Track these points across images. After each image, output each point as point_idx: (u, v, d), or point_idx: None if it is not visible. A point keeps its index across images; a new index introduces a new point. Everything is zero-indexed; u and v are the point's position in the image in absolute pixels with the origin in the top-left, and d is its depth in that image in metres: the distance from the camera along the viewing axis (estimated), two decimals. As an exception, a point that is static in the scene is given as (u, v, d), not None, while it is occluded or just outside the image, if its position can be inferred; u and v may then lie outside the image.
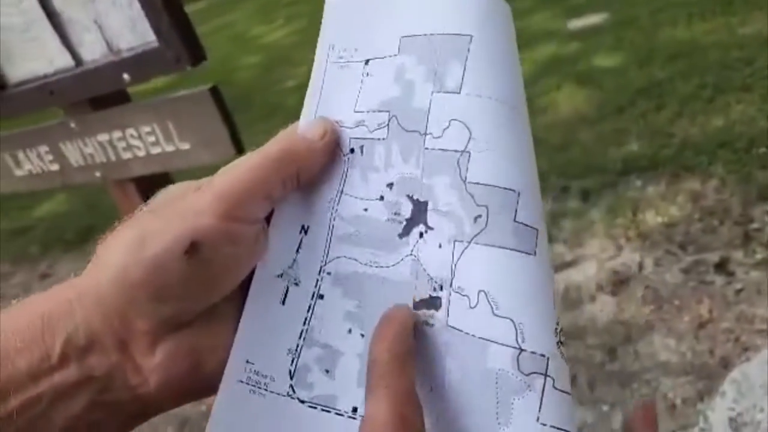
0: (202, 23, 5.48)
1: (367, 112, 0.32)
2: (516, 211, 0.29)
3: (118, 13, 0.99)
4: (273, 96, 3.98)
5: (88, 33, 1.02)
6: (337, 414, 0.30)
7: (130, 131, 1.06)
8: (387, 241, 0.31)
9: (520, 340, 0.27)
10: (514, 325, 0.27)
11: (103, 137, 1.10)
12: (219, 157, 0.99)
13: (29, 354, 0.26)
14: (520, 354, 0.27)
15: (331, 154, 0.32)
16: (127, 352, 0.28)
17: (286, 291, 0.32)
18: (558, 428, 0.26)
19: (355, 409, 0.30)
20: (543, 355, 0.27)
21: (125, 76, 1.00)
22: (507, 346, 0.27)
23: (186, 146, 1.01)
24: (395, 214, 0.31)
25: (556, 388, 0.27)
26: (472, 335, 0.28)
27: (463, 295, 0.28)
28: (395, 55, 0.32)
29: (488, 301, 0.28)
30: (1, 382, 0.25)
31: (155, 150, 1.05)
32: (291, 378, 0.31)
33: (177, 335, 0.28)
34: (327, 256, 0.32)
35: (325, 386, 0.31)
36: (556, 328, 0.27)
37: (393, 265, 0.31)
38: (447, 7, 0.32)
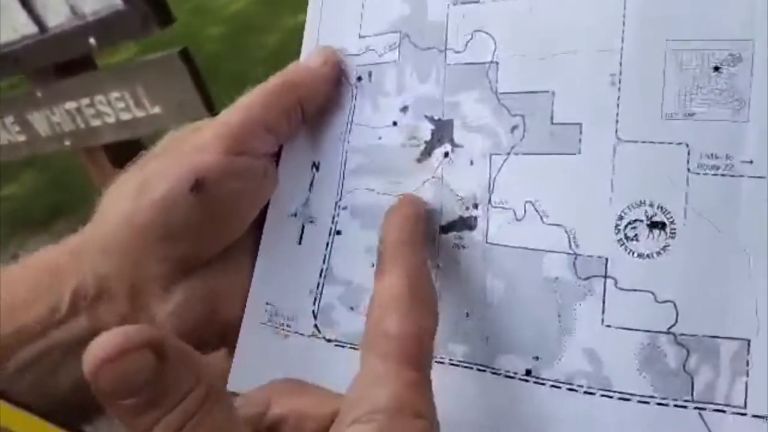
0: (165, -6, 5.37)
1: (375, 35, 0.31)
2: (552, 112, 0.28)
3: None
4: (241, 65, 3.92)
5: (52, -3, 1.00)
6: None
7: (99, 98, 1.05)
8: (404, 167, 0.30)
9: (573, 245, 0.27)
10: (566, 231, 0.27)
11: (70, 105, 1.08)
12: (192, 120, 0.98)
13: (38, 306, 0.26)
14: (576, 259, 0.27)
15: (334, 82, 0.32)
16: (139, 300, 0.27)
17: (302, 230, 0.32)
18: (627, 329, 0.26)
19: None
20: (600, 257, 0.26)
21: (91, 40, 0.98)
22: (561, 252, 0.27)
23: (157, 110, 1.00)
24: (412, 138, 0.30)
25: (620, 288, 0.26)
26: (523, 247, 0.27)
27: (507, 208, 0.28)
28: None
29: (536, 210, 0.27)
30: (10, 335, 0.25)
31: (125, 116, 1.04)
32: (315, 318, 0.31)
33: (191, 279, 0.28)
34: (342, 191, 0.31)
35: (352, 323, 0.30)
36: (617, 225, 0.26)
37: (413, 192, 0.30)
38: None
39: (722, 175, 0.25)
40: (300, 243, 0.32)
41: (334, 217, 0.31)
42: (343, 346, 0.30)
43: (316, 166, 0.32)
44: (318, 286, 0.31)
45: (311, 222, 0.32)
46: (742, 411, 0.24)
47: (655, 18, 0.26)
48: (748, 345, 0.24)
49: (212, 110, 0.96)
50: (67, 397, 0.26)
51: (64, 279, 0.26)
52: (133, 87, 1.02)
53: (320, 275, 0.31)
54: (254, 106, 0.29)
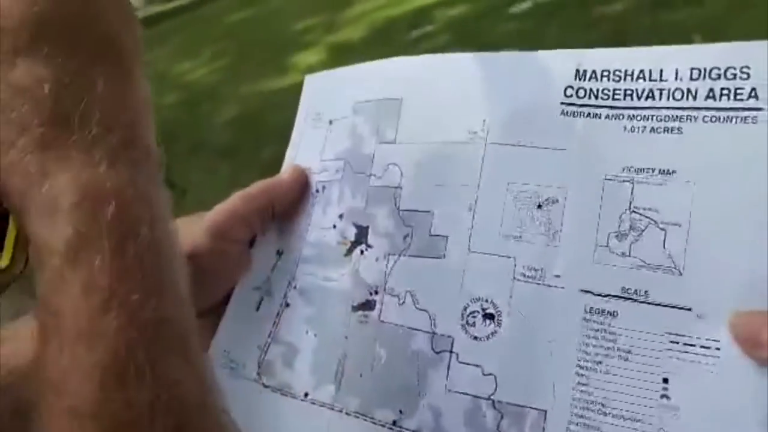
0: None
1: (330, 160, 0.42)
2: (431, 226, 0.36)
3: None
4: (200, 133, 3.97)
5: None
6: (292, 397, 0.39)
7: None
8: (336, 260, 0.40)
9: (433, 326, 0.35)
10: (429, 315, 0.36)
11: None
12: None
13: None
14: (433, 336, 0.35)
15: (298, 191, 0.42)
16: None
17: (260, 300, 0.42)
18: (461, 393, 0.34)
19: (306, 394, 0.38)
20: (449, 336, 0.35)
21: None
22: (425, 331, 0.35)
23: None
24: (343, 237, 0.40)
25: (460, 362, 0.34)
26: (401, 325, 0.36)
27: (394, 296, 0.37)
28: (350, 117, 0.42)
29: (412, 298, 0.36)
30: None
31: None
32: (259, 367, 0.40)
33: None
34: (296, 273, 0.41)
35: (285, 376, 0.39)
36: (462, 313, 0.35)
37: (338, 279, 0.39)
38: (383, 77, 0.41)
39: (537, 283, 0.33)
40: (257, 310, 0.42)
41: (286, 293, 0.41)
42: (275, 392, 0.40)
43: (279, 253, 0.42)
44: (265, 344, 0.41)
45: (269, 295, 0.42)
46: None
47: (501, 165, 0.35)
48: (545, 415, 0.32)
49: (170, 183, 1.00)
50: None
51: None
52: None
53: (269, 335, 0.41)
54: (236, 205, 0.40)
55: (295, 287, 0.41)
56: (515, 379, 0.33)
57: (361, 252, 0.39)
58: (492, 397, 0.33)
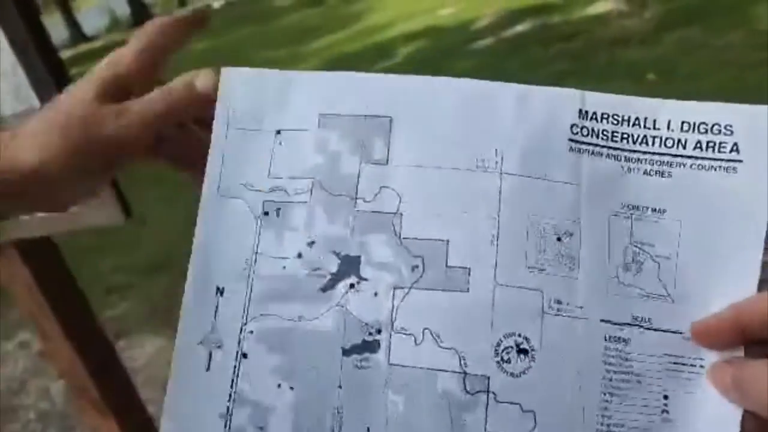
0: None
1: (287, 178, 0.36)
2: (447, 257, 0.34)
3: (3, 81, 1.00)
4: (159, 165, 3.92)
5: (-29, 98, 1.02)
6: None
7: (13, 195, 1.06)
8: (309, 295, 0.35)
9: (464, 365, 0.33)
10: (457, 354, 0.33)
11: (-17, 201, 1.09)
12: (107, 220, 1.00)
13: None
14: (465, 377, 0.33)
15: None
16: None
17: (210, 356, 0.35)
18: None
19: None
20: (484, 375, 0.33)
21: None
22: (454, 372, 0.33)
23: (73, 209, 1.02)
24: (316, 269, 0.35)
25: (498, 401, 0.33)
26: (421, 367, 0.33)
27: (408, 334, 0.34)
28: (312, 130, 0.37)
29: (432, 336, 0.34)
30: None
31: (39, 213, 1.05)
32: None
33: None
34: (248, 315, 0.35)
35: None
36: (496, 349, 0.33)
37: (317, 318, 0.35)
38: (361, 91, 0.37)
39: (564, 316, 0.33)
40: (208, 369, 0.35)
41: (240, 341, 0.35)
42: None
43: (220, 291, 0.36)
44: (228, 410, 0.34)
45: (218, 347, 0.35)
46: None
47: (520, 197, 0.35)
48: None
49: (128, 209, 0.99)
50: None
51: None
52: (48, 185, 1.04)
53: (229, 399, 0.34)
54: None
55: (250, 332, 0.35)
56: (552, 414, 0.33)
57: (351, 285, 0.35)
58: None
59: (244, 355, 0.35)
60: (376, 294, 0.35)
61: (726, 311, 0.32)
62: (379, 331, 0.34)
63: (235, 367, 0.35)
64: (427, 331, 0.34)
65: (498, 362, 0.33)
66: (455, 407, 0.33)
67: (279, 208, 0.36)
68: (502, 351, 0.33)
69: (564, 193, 0.34)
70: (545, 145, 0.35)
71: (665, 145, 0.35)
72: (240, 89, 0.38)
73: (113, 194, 1.00)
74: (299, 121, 0.37)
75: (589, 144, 0.35)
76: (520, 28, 4.14)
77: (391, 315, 0.34)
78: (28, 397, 2.18)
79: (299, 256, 0.35)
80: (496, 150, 0.35)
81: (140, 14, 11.68)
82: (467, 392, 0.33)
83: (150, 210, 3.04)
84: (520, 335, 0.33)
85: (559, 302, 0.34)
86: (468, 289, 0.34)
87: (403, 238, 0.35)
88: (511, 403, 0.33)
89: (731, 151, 0.34)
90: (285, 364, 0.34)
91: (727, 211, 0.33)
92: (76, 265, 1.17)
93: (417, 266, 0.35)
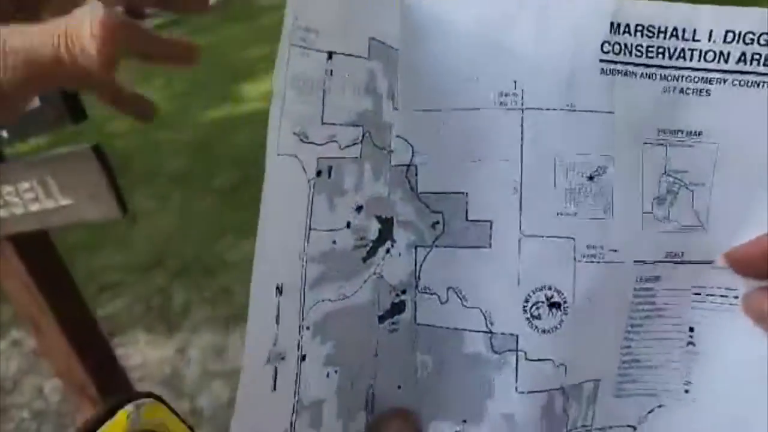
0: (74, 87, 5.30)
1: (339, 125, 0.29)
2: (467, 211, 0.32)
3: None
4: (152, 160, 3.92)
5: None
6: None
7: (7, 189, 1.05)
8: (351, 270, 0.31)
9: (489, 325, 0.32)
10: (482, 313, 0.32)
11: (-24, 196, 1.08)
12: (103, 213, 1.00)
13: None
14: (492, 336, 0.32)
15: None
16: None
17: (275, 374, 0.29)
18: (535, 392, 0.32)
19: None
20: (513, 334, 0.32)
21: (3, 133, 1.00)
22: (479, 331, 0.32)
23: (67, 202, 1.02)
24: (361, 239, 0.31)
25: (529, 359, 0.31)
26: (447, 327, 0.32)
27: (432, 294, 0.32)
28: (366, 58, 0.30)
29: (457, 295, 0.32)
30: None
31: (34, 207, 1.04)
32: None
33: None
34: (303, 310, 0.29)
35: None
36: (524, 306, 0.32)
37: (355, 293, 0.31)
38: (386, 16, 0.31)
39: (598, 262, 0.31)
40: (275, 389, 0.30)
41: (299, 343, 0.30)
42: None
43: (280, 289, 0.29)
44: (291, 424, 0.30)
45: (282, 361, 0.30)
46: (589, 428, 0.32)
47: (545, 135, 0.32)
48: (599, 384, 0.32)
49: (124, 205, 0.99)
50: None
51: None
52: (43, 178, 1.04)
53: (293, 411, 0.30)
54: None
55: (307, 328, 0.30)
56: (582, 362, 0.32)
57: (387, 251, 0.32)
58: (562, 385, 0.32)
59: (303, 358, 0.30)
60: (400, 254, 0.33)
61: (766, 236, 0.30)
62: (404, 292, 0.33)
63: (297, 374, 0.30)
64: (451, 290, 0.32)
65: (528, 319, 0.32)
66: (483, 367, 0.32)
67: (331, 167, 0.29)
68: (531, 307, 0.31)
69: (596, 123, 0.31)
70: (572, 70, 0.31)
71: (705, 59, 0.31)
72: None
73: (110, 189, 0.99)
74: (351, 43, 0.29)
75: (624, 63, 0.31)
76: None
77: (416, 275, 0.33)
78: (22, 396, 2.16)
79: (348, 225, 0.30)
80: (515, 82, 0.31)
81: (131, 13, 11.59)
82: (495, 352, 0.32)
83: (142, 207, 3.03)
84: (551, 288, 0.31)
85: (593, 247, 0.31)
86: (490, 244, 0.32)
87: (420, 193, 0.32)
88: (543, 360, 0.32)
89: None
90: (332, 350, 0.31)
91: (766, 132, 0.30)
92: (69, 262, 1.16)
93: (438, 222, 0.32)
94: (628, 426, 0.33)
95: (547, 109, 0.31)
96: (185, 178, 3.38)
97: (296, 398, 0.30)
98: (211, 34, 7.12)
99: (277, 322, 0.29)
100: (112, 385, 1.15)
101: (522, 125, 0.31)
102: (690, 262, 0.32)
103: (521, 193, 0.31)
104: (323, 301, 0.30)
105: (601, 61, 0.31)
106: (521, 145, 0.31)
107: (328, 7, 0.28)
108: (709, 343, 0.32)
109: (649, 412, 0.32)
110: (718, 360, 0.31)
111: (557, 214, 0.31)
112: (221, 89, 4.67)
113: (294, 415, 0.30)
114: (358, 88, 0.30)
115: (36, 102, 0.97)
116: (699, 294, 0.32)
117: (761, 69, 0.31)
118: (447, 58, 0.31)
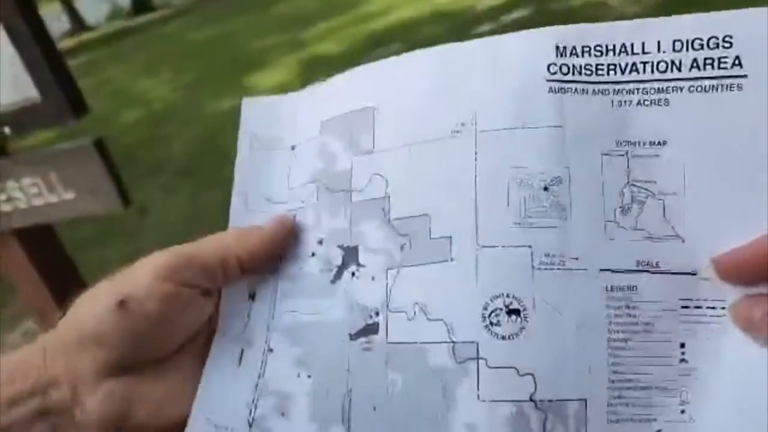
0: (85, 76, 5.34)
1: (299, 186, 0.38)
2: (430, 229, 0.34)
3: (2, 71, 1.00)
4: (160, 152, 3.93)
5: (-32, 88, 1.02)
6: None
7: (11, 183, 1.06)
8: (321, 290, 0.36)
9: (451, 335, 0.32)
10: (445, 324, 0.32)
11: (-19, 191, 1.09)
12: (105, 207, 1.01)
13: (12, 387, 0.33)
14: (453, 346, 0.32)
15: (279, 245, 0.37)
16: (77, 388, 0.33)
17: (241, 353, 0.37)
18: (498, 401, 0.31)
19: None
20: (472, 342, 0.32)
21: (6, 129, 1.01)
22: (442, 342, 0.32)
23: (70, 196, 1.03)
24: (326, 263, 0.36)
25: (489, 367, 0.31)
26: (412, 342, 0.33)
27: (401, 312, 0.33)
28: (317, 137, 0.38)
29: (422, 310, 0.33)
30: None
31: (38, 201, 1.05)
32: (250, 427, 0.35)
33: (119, 379, 0.34)
34: (273, 314, 0.37)
35: (281, 427, 0.35)
36: (483, 314, 0.32)
37: (328, 309, 0.35)
38: (350, 89, 0.38)
39: (557, 269, 0.31)
40: (239, 364, 0.37)
41: (267, 338, 0.36)
42: None
43: (252, 296, 0.38)
44: (253, 400, 0.36)
45: (249, 345, 0.37)
46: None
47: (498, 152, 0.33)
48: (586, 403, 0.31)
49: (126, 198, 0.99)
50: None
51: (30, 370, 0.33)
52: (46, 173, 1.05)
53: (255, 389, 0.36)
54: (194, 246, 0.35)
55: (276, 329, 0.37)
56: (554, 374, 0.31)
57: (352, 275, 0.35)
58: (533, 397, 0.31)
59: (271, 350, 0.36)
60: (373, 278, 0.35)
61: (756, 240, 0.29)
62: (377, 313, 0.34)
63: (262, 361, 0.36)
64: (416, 306, 0.33)
65: (486, 326, 0.32)
66: (446, 378, 0.32)
67: (295, 215, 0.38)
68: (490, 314, 0.32)
69: (547, 138, 0.32)
70: (521, 93, 0.33)
71: (658, 69, 0.32)
72: (259, 115, 0.41)
73: (111, 182, 1.00)
74: (307, 132, 0.39)
75: (573, 81, 0.33)
76: (518, 14, 4.12)
77: (386, 296, 0.34)
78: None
79: (313, 255, 0.37)
80: (474, 112, 0.34)
81: (141, 2, 11.63)
82: (456, 361, 0.32)
83: (151, 199, 3.05)
84: (508, 295, 0.32)
85: (551, 255, 0.32)
86: (451, 258, 0.33)
87: (394, 220, 0.35)
88: (506, 367, 0.31)
89: (733, 65, 0.31)
90: (303, 355, 0.35)
91: (735, 134, 0.30)
92: (78, 255, 1.17)
93: (405, 245, 0.34)
94: None
95: (499, 130, 0.33)
96: (193, 170, 3.39)
97: (260, 380, 0.36)
98: (221, 23, 7.14)
99: (247, 317, 0.37)
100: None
101: (475, 146, 0.34)
102: (670, 273, 0.31)
103: (476, 208, 0.33)
104: (293, 312, 0.36)
105: (548, 80, 0.33)
106: (475, 164, 0.33)
107: (287, 120, 0.40)
108: (703, 359, 0.30)
109: None
110: (713, 376, 0.30)
111: (514, 224, 0.32)
112: (231, 80, 4.68)
113: (257, 392, 0.36)
114: (310, 157, 0.38)
115: (37, 97, 0.98)
116: (687, 307, 0.31)
117: (716, 72, 0.31)
118: (414, 103, 0.36)
